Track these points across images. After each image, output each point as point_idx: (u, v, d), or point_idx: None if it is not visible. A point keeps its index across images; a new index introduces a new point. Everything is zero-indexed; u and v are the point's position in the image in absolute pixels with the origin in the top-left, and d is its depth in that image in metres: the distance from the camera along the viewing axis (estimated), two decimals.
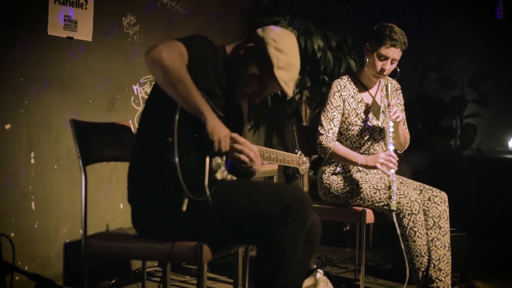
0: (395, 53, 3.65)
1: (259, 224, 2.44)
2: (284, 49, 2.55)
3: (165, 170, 2.36)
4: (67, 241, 3.85)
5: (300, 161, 2.95)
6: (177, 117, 2.36)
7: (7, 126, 3.50)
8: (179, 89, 2.35)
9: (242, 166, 2.56)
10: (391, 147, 3.59)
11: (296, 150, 3.01)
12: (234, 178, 2.59)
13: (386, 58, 3.66)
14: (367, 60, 3.75)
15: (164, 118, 2.40)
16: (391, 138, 3.60)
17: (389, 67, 3.69)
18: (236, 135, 2.52)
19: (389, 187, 3.52)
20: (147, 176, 2.51)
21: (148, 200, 2.51)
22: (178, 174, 2.31)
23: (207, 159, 2.43)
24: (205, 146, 2.44)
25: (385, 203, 3.58)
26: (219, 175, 2.50)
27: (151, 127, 2.54)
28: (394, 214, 3.50)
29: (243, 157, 2.51)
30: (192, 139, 2.44)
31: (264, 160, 2.69)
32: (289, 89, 2.58)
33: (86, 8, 3.87)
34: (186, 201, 2.37)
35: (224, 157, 2.53)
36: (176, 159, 2.32)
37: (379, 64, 3.68)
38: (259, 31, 2.61)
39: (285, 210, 2.42)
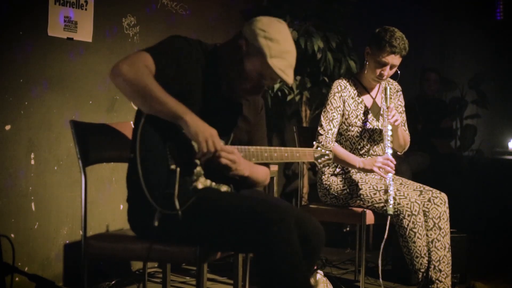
0: (394, 59, 3.63)
1: (244, 231, 2.35)
2: (274, 37, 2.47)
3: (136, 181, 2.34)
4: (67, 242, 3.85)
5: (316, 154, 2.78)
6: (139, 130, 2.33)
7: (7, 127, 3.50)
8: (148, 101, 2.32)
9: (228, 173, 2.48)
10: (389, 151, 3.59)
11: (314, 143, 2.85)
12: (224, 187, 2.54)
13: (385, 64, 3.65)
14: (367, 63, 3.74)
15: (134, 130, 2.39)
16: (389, 141, 3.60)
17: (388, 72, 3.68)
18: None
19: (386, 191, 3.53)
20: (131, 180, 2.51)
21: (138, 203, 2.49)
22: (144, 190, 2.30)
23: (178, 170, 2.37)
24: (184, 153, 2.42)
25: (385, 205, 3.59)
26: (200, 184, 2.45)
27: (132, 133, 2.53)
28: (389, 218, 3.51)
29: (223, 160, 2.43)
30: (164, 149, 2.40)
31: (264, 160, 2.60)
32: (288, 76, 2.49)
33: (86, 9, 3.87)
34: (157, 216, 2.35)
35: (202, 165, 2.46)
36: (140, 175, 2.30)
37: (377, 70, 3.68)
38: (247, 25, 2.54)
39: (263, 226, 2.31)
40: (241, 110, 2.73)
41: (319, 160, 2.79)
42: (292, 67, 2.52)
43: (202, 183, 2.46)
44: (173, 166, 2.39)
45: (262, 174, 2.72)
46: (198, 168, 2.46)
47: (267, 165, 2.76)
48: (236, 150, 2.49)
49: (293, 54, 2.52)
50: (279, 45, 2.47)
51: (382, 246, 3.52)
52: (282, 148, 2.66)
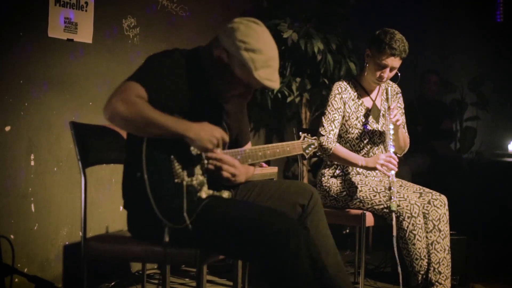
0: (394, 62, 3.63)
1: (251, 243, 2.36)
2: (256, 47, 2.43)
3: (143, 198, 2.34)
4: (67, 243, 3.85)
5: (303, 145, 2.83)
6: (144, 149, 2.33)
7: (7, 128, 3.50)
8: (149, 130, 2.33)
9: (227, 183, 2.52)
10: (392, 149, 3.59)
11: (300, 133, 2.88)
12: (226, 193, 2.54)
13: (384, 66, 3.65)
14: (367, 65, 3.74)
15: (136, 147, 2.38)
16: (391, 140, 3.60)
17: (388, 74, 3.68)
18: (212, 154, 2.48)
19: (389, 188, 3.52)
20: (134, 193, 2.49)
21: (142, 213, 2.48)
22: (154, 209, 2.30)
23: (184, 183, 2.39)
24: (188, 163, 2.43)
25: (385, 205, 3.59)
26: (203, 194, 2.45)
27: (130, 148, 2.53)
28: (394, 215, 3.50)
29: (225, 173, 2.48)
30: (168, 163, 2.40)
31: (259, 159, 2.63)
32: (275, 82, 2.48)
33: (86, 10, 3.87)
34: (167, 231, 2.36)
35: (205, 175, 2.48)
36: (149, 194, 2.31)
37: (377, 72, 3.68)
38: (224, 36, 2.49)
39: (270, 240, 2.33)
40: (223, 106, 2.73)
41: (307, 151, 2.85)
42: (277, 70, 2.52)
43: (205, 192, 2.47)
44: (178, 180, 2.40)
45: (252, 172, 2.78)
46: (201, 178, 2.47)
47: (253, 164, 2.78)
48: (237, 162, 2.52)
49: (277, 58, 2.51)
50: (262, 55, 2.44)
51: (395, 244, 3.49)
52: (274, 144, 2.70)
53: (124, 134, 2.99)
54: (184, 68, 2.53)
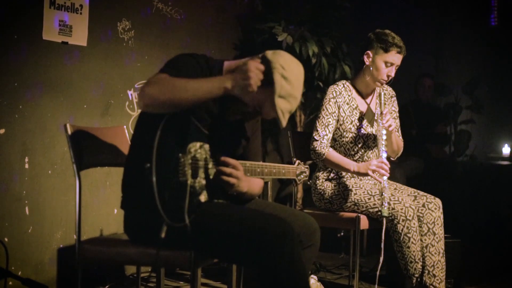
0: (399, 59, 3.67)
1: (247, 246, 2.37)
2: (290, 78, 2.44)
3: (146, 191, 2.33)
4: (61, 246, 3.84)
5: (297, 171, 2.85)
6: (156, 142, 2.32)
7: (2, 131, 3.50)
8: (187, 95, 2.32)
9: (229, 190, 2.51)
10: (384, 154, 3.59)
11: (294, 160, 2.91)
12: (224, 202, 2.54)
13: (392, 64, 3.66)
14: (371, 68, 3.71)
15: (147, 139, 2.37)
16: (383, 145, 3.60)
17: (393, 73, 3.70)
18: (226, 158, 2.48)
19: (381, 194, 3.53)
20: (136, 188, 2.49)
21: (138, 209, 2.48)
22: (156, 202, 2.29)
23: (188, 183, 2.39)
24: (194, 163, 2.43)
25: (379, 209, 3.59)
26: (203, 198, 2.46)
27: (139, 141, 2.52)
28: (385, 220, 3.51)
29: (232, 180, 2.47)
30: (176, 160, 2.40)
31: (256, 175, 2.61)
32: (284, 119, 2.47)
33: (81, 13, 3.87)
34: (164, 228, 2.36)
35: (207, 180, 2.48)
36: (154, 187, 2.29)
37: (385, 71, 3.67)
38: (270, 53, 2.49)
39: (265, 246, 2.33)
40: (245, 130, 2.74)
41: (299, 177, 2.87)
42: (291, 113, 2.52)
43: (205, 196, 2.47)
44: (182, 178, 2.40)
45: (257, 187, 2.74)
46: (204, 182, 2.47)
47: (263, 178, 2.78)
48: (240, 166, 2.50)
49: (297, 101, 2.51)
50: (291, 88, 2.45)
51: (382, 252, 3.50)
52: (272, 164, 2.71)
53: (119, 137, 3.00)
54: (206, 71, 2.54)
